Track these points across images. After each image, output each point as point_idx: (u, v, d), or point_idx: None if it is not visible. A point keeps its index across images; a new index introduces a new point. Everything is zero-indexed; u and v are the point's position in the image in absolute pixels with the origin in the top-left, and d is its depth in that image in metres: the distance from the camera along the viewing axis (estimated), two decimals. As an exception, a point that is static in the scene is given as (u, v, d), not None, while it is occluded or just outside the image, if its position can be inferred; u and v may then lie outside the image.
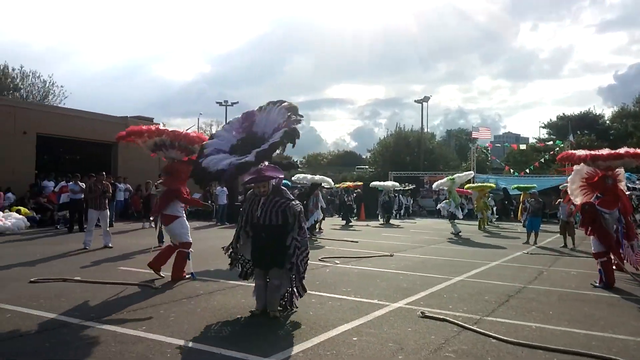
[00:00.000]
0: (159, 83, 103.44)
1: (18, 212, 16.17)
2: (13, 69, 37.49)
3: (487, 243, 15.57)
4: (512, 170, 37.99)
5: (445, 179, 19.16)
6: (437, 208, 21.35)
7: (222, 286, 7.48)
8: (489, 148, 43.08)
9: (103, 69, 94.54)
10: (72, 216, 15.80)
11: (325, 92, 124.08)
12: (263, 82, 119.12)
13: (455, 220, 18.14)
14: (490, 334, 5.21)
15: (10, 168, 19.17)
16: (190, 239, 8.26)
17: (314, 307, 6.29)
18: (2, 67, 36.63)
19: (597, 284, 8.23)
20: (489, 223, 22.52)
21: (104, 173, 12.61)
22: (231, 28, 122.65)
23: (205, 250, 10.87)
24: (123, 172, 22.23)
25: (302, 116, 5.78)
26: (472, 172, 25.54)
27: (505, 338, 5.07)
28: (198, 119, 68.26)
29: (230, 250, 6.16)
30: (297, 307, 6.00)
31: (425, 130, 46.96)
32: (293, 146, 5.62)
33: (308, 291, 6.19)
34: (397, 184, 27.83)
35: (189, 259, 8.14)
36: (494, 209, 26.11)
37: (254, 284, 6.05)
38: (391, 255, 11.47)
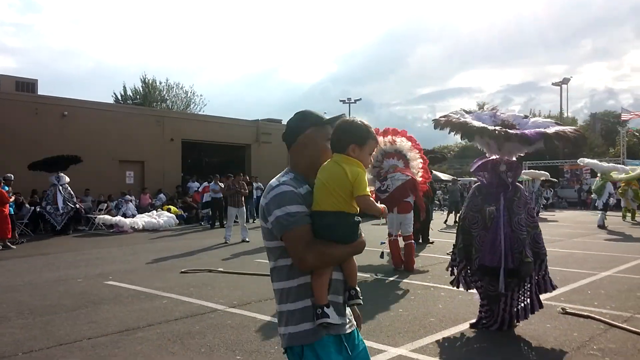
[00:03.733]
0: (287, 86, 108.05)
1: (169, 210, 17.99)
2: (160, 82, 41.53)
3: (638, 236, 14.04)
4: (670, 156, 33.58)
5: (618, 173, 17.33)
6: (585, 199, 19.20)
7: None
8: (642, 131, 38.42)
9: (236, 77, 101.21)
10: (213, 213, 17.18)
11: (450, 82, 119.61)
12: (387, 77, 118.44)
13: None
14: (644, 333, 4.74)
15: (161, 172, 21.37)
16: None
17: (444, 300, 6.21)
18: (150, 82, 40.75)
19: None
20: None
21: (242, 174, 13.50)
22: (356, 26, 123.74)
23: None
24: (256, 172, 23.60)
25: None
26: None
27: (662, 338, 4.58)
28: (323, 118, 69.94)
29: None
30: None
31: (565, 115, 43.48)
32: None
33: (438, 285, 6.10)
34: (546, 173, 24.07)
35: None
36: None
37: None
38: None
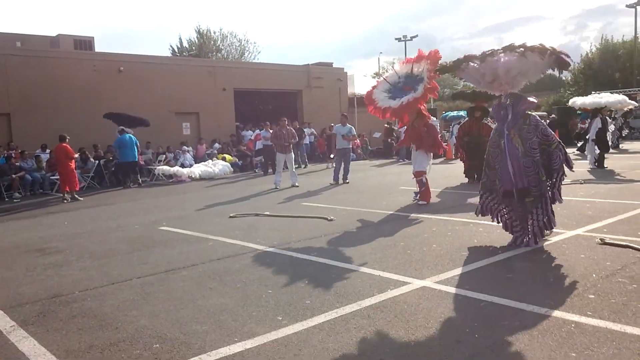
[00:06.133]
0: (343, 29, 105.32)
1: (223, 159, 18.58)
2: (214, 32, 41.56)
3: None
4: None
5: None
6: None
7: (392, 217, 7.78)
8: None
9: (291, 22, 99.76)
10: (265, 160, 17.58)
11: (516, 10, 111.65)
12: (450, 10, 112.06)
13: None
14: (684, 262, 4.57)
15: (216, 121, 21.92)
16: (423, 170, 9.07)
17: (480, 235, 6.20)
18: (205, 32, 40.94)
19: None
20: None
21: (285, 119, 13.56)
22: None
23: (383, 184, 11.22)
24: (308, 118, 23.69)
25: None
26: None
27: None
28: (378, 58, 68.25)
29: None
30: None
31: (641, 39, 39.99)
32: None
33: (478, 221, 6.20)
34: (634, 103, 17.87)
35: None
36: None
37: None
38: (582, 183, 10.44)
